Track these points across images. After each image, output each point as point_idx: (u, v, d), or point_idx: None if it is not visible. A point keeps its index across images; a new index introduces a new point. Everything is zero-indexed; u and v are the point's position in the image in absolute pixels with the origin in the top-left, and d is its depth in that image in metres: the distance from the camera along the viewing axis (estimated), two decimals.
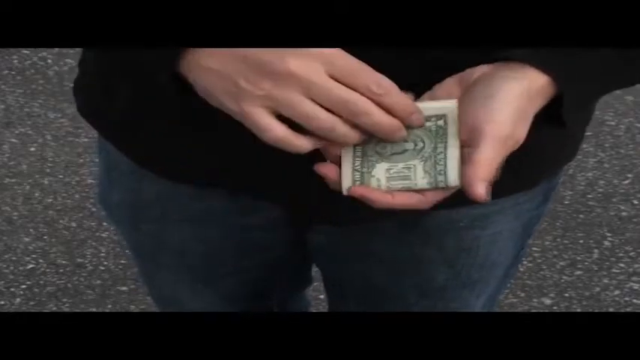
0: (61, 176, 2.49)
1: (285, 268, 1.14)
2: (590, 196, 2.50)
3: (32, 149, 2.58)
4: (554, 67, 0.79)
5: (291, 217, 1.00)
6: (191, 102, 0.80)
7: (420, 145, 0.80)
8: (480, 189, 0.76)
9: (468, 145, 0.78)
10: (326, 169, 0.80)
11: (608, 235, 2.38)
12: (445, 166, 0.79)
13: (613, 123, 2.79)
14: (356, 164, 0.80)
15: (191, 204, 1.02)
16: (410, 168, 0.79)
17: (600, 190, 2.53)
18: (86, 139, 2.59)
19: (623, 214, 2.44)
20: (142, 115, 0.94)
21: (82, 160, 2.53)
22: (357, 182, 0.79)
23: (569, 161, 1.04)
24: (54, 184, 2.48)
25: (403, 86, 0.78)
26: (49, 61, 2.90)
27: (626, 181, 2.58)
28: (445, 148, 0.79)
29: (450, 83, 0.81)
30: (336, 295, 1.15)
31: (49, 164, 2.52)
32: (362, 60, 0.76)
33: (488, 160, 0.76)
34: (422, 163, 0.79)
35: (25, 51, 2.93)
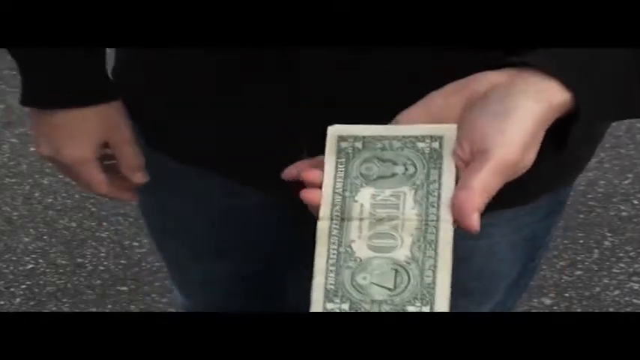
0: (61, 176, 2.49)
1: (290, 258, 1.15)
2: (590, 196, 2.50)
3: (32, 149, 2.58)
4: (577, 82, 0.70)
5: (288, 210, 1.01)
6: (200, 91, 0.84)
7: (412, 169, 0.71)
8: (474, 220, 0.67)
9: (466, 164, 0.69)
10: (310, 195, 0.71)
11: (608, 235, 2.38)
12: (439, 197, 0.69)
13: (613, 123, 2.78)
14: (337, 187, 0.71)
15: (191, 180, 1.03)
16: (399, 196, 0.70)
17: (600, 190, 2.53)
18: None
19: (623, 214, 2.44)
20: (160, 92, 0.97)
21: None
22: (337, 207, 0.70)
23: (574, 180, 1.01)
24: (54, 184, 2.47)
25: (408, 86, 0.77)
26: None
27: (626, 181, 2.58)
28: (439, 175, 0.70)
29: (450, 90, 0.71)
30: None
31: (48, 164, 2.52)
32: (364, 59, 0.77)
33: (487, 189, 0.67)
34: (412, 191, 0.70)
35: None
